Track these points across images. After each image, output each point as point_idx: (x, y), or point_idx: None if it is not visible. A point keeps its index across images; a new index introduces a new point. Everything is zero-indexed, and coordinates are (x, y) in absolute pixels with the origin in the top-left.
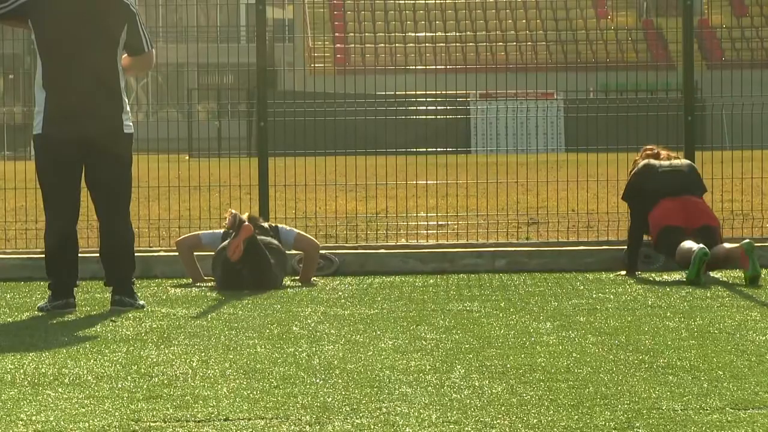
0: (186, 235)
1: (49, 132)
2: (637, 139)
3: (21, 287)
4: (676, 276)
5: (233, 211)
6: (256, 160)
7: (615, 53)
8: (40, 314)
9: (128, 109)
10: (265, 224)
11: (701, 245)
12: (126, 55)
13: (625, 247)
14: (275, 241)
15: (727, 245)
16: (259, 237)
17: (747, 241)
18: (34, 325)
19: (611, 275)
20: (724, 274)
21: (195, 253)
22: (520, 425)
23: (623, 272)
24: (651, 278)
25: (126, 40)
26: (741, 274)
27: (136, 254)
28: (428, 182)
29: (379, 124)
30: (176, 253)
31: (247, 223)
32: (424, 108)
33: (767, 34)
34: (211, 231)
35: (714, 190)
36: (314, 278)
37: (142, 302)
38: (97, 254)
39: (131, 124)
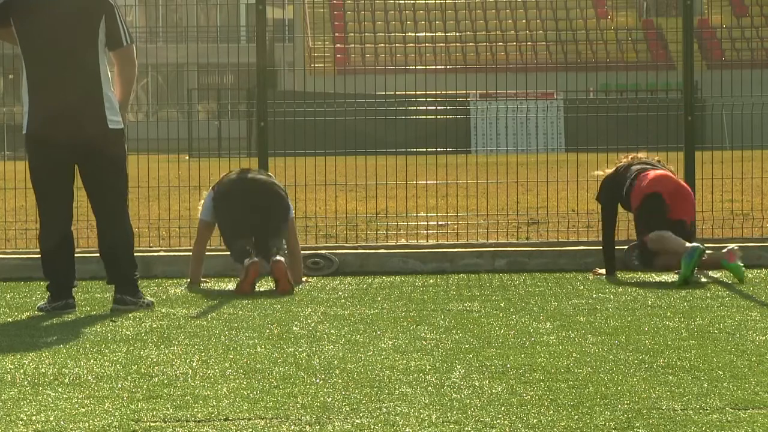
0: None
1: (33, 132)
2: (637, 139)
3: (21, 287)
4: (676, 276)
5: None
6: (256, 160)
7: (615, 53)
8: (40, 314)
9: (115, 104)
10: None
11: (695, 244)
12: (115, 67)
13: (619, 247)
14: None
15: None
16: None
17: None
18: (34, 325)
19: (589, 275)
20: (724, 274)
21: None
22: (520, 425)
23: (602, 271)
24: (651, 278)
25: (105, 34)
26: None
27: (136, 254)
28: (428, 182)
29: (379, 124)
30: (176, 253)
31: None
32: (424, 108)
33: (767, 34)
34: (202, 205)
35: (714, 190)
36: (307, 278)
37: (148, 300)
38: (97, 254)
39: (119, 119)
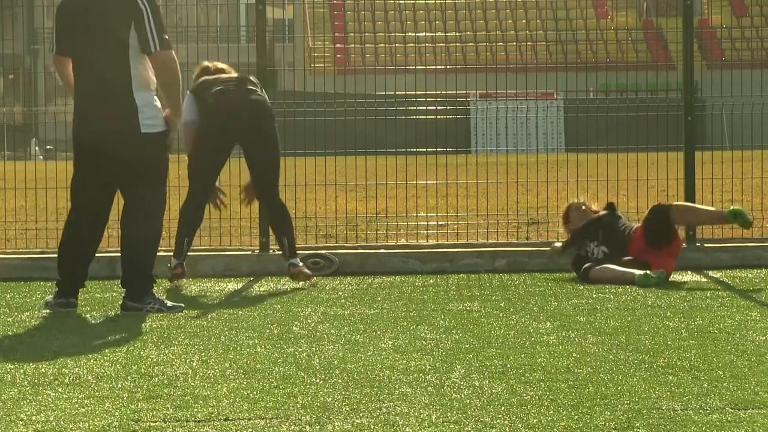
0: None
1: (73, 133)
2: (637, 139)
3: (21, 287)
4: (677, 276)
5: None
6: None
7: (615, 53)
8: (40, 314)
9: (151, 109)
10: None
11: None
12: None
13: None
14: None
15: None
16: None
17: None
18: (34, 325)
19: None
20: (724, 274)
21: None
22: (520, 425)
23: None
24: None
25: (137, 39)
26: (742, 274)
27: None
28: (428, 182)
29: (379, 124)
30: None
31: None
32: (424, 108)
33: (767, 34)
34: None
35: (714, 190)
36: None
37: (162, 303)
38: (96, 254)
39: (155, 122)
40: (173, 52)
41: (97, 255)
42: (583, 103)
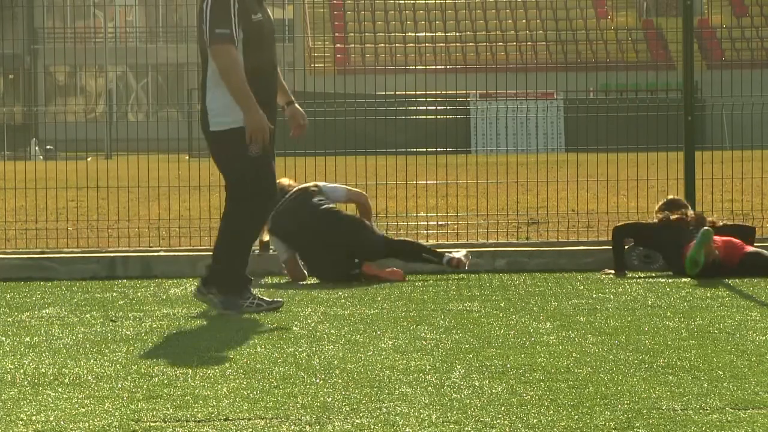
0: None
1: None
2: (637, 139)
3: (21, 287)
4: (677, 276)
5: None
6: None
7: (615, 53)
8: (40, 314)
9: (219, 105)
10: (311, 186)
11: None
12: None
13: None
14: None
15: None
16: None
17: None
18: (34, 325)
19: (600, 275)
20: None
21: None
22: (520, 425)
23: (611, 271)
24: (651, 278)
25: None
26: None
27: (138, 254)
28: (428, 182)
29: (379, 124)
30: (176, 253)
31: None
32: (424, 108)
33: (767, 34)
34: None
35: (714, 190)
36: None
37: (257, 300)
38: (96, 254)
39: (222, 119)
40: (227, 45)
41: (97, 255)
42: (583, 103)
